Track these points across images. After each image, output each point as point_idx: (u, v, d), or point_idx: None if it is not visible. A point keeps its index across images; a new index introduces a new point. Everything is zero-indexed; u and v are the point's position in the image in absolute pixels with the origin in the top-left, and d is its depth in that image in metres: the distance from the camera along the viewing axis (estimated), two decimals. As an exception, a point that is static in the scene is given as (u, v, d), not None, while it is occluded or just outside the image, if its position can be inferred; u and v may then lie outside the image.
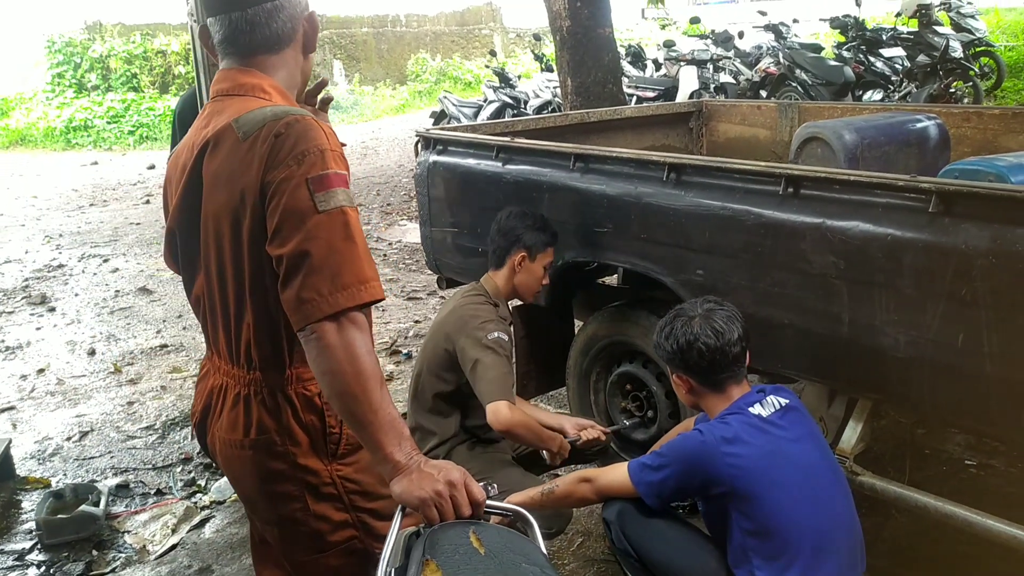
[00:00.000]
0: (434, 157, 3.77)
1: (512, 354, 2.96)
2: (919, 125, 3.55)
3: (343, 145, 1.82)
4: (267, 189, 1.55)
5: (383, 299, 1.58)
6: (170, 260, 1.89)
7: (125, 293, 6.92)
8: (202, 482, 3.73)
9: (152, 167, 13.68)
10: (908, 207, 2.27)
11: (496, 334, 2.86)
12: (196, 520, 3.42)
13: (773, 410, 2.30)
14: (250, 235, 1.60)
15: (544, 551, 1.50)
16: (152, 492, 3.69)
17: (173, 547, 3.25)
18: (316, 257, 1.50)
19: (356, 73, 21.07)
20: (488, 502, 1.52)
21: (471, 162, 3.61)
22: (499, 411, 2.73)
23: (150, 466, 3.93)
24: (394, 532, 1.44)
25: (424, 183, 3.80)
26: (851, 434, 2.62)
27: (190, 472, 3.83)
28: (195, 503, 3.56)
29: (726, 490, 2.20)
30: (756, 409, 2.29)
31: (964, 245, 2.15)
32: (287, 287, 1.52)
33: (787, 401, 2.35)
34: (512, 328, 3.06)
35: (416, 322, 5.83)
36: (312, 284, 1.49)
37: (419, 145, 3.88)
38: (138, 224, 9.70)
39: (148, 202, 11.00)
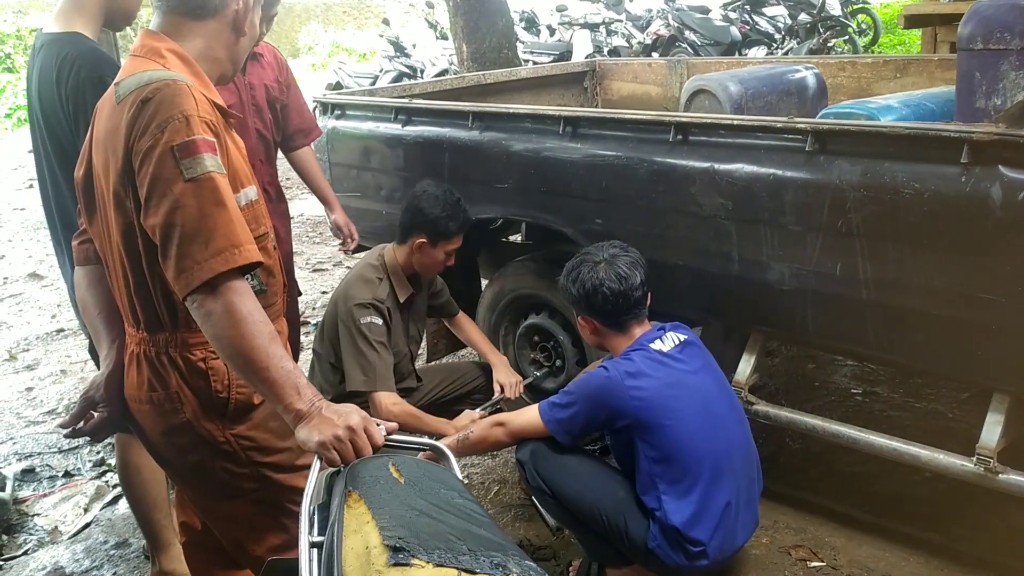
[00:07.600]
0: (333, 122, 3.76)
1: (386, 337, 2.90)
2: (798, 75, 3.73)
3: (238, 116, 1.85)
4: (134, 159, 1.56)
5: (261, 262, 1.59)
6: (81, 213, 1.87)
7: (14, 280, 6.64)
8: (112, 461, 3.66)
9: (32, 151, 12.99)
10: (787, 147, 2.42)
11: (368, 319, 2.86)
12: (108, 498, 3.36)
13: (673, 345, 2.44)
14: (117, 200, 1.62)
15: (460, 479, 1.57)
16: (60, 474, 3.61)
17: (87, 525, 3.20)
18: (187, 225, 1.51)
19: (246, 47, 20.46)
20: (398, 437, 1.59)
21: (370, 125, 3.62)
22: (379, 403, 2.78)
23: (55, 449, 3.83)
24: (314, 473, 1.49)
25: (324, 149, 3.79)
26: (745, 367, 2.78)
27: (98, 452, 3.75)
28: (106, 482, 3.50)
29: (631, 422, 2.32)
30: (657, 345, 2.42)
31: (838, 180, 2.30)
32: (165, 258, 1.54)
33: (685, 336, 2.49)
34: (390, 308, 2.95)
35: (323, 293, 5.80)
36: (186, 252, 1.51)
37: (317, 111, 3.86)
38: (23, 209, 9.26)
39: (32, 187, 10.48)
